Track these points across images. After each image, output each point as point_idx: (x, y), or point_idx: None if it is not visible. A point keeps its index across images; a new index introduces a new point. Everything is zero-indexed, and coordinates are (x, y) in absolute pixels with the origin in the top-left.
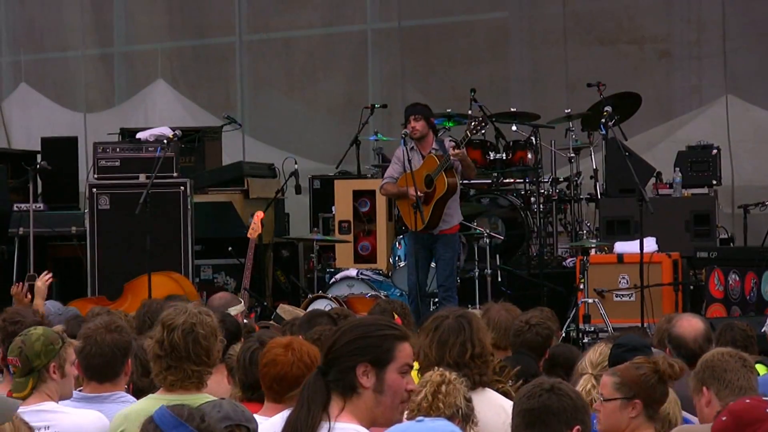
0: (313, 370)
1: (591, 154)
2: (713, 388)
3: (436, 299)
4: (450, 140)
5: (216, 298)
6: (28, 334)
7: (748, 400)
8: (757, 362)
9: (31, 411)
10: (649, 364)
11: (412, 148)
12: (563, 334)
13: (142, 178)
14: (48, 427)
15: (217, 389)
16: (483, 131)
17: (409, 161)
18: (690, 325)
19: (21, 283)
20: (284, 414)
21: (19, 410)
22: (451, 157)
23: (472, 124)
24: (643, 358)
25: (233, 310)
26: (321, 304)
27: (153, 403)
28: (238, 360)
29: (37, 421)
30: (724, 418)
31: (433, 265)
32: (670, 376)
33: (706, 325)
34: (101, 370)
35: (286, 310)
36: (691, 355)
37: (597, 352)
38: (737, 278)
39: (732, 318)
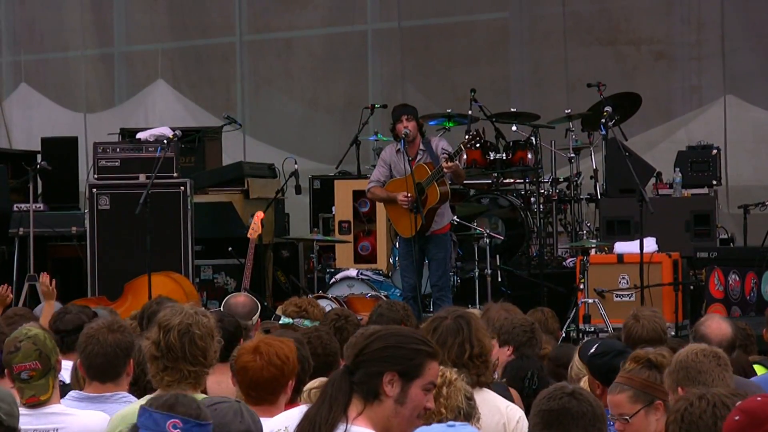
0: (284, 369)
1: (591, 155)
2: (688, 389)
3: (431, 300)
4: (443, 152)
5: (240, 305)
6: (33, 335)
7: (759, 398)
8: (755, 363)
9: (39, 413)
10: (642, 363)
11: (399, 150)
12: (563, 335)
13: (142, 178)
14: (57, 430)
15: (217, 390)
16: (478, 146)
17: (410, 161)
18: (719, 328)
19: (7, 284)
20: (302, 408)
21: (27, 413)
22: (444, 170)
23: (467, 137)
24: (631, 360)
25: (254, 320)
26: (321, 305)
27: None
28: None
29: (45, 424)
30: (737, 418)
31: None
32: (664, 365)
33: (733, 331)
34: (103, 370)
35: None
36: None
37: None
38: (737, 278)
39: (732, 318)
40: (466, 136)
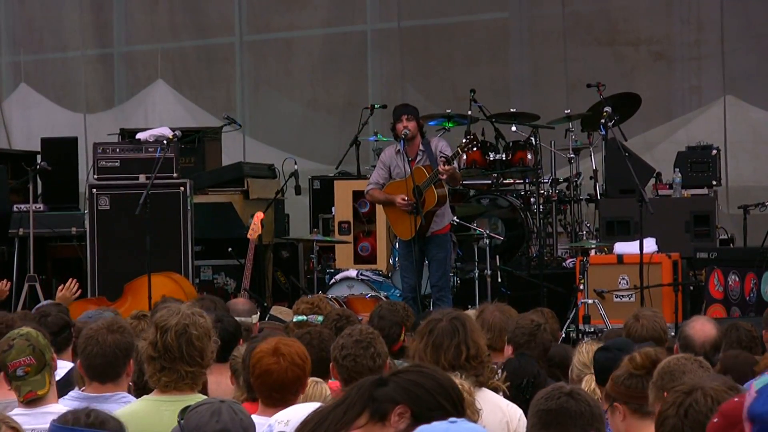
0: (305, 368)
1: (591, 155)
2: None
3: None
4: (441, 154)
5: (240, 303)
6: (25, 333)
7: (737, 399)
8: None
9: (37, 413)
10: (626, 364)
11: (398, 150)
12: (563, 335)
13: (142, 178)
14: None
15: (216, 390)
16: (475, 149)
17: (409, 161)
18: (702, 329)
19: (6, 280)
20: (306, 406)
21: (25, 412)
22: (442, 173)
23: (464, 141)
24: (626, 360)
25: (254, 318)
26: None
27: (147, 404)
28: (243, 360)
29: (43, 423)
30: (716, 420)
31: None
32: (653, 364)
33: (718, 332)
34: (103, 370)
35: (280, 311)
36: None
37: (584, 353)
38: (737, 279)
39: (737, 319)
40: (464, 140)
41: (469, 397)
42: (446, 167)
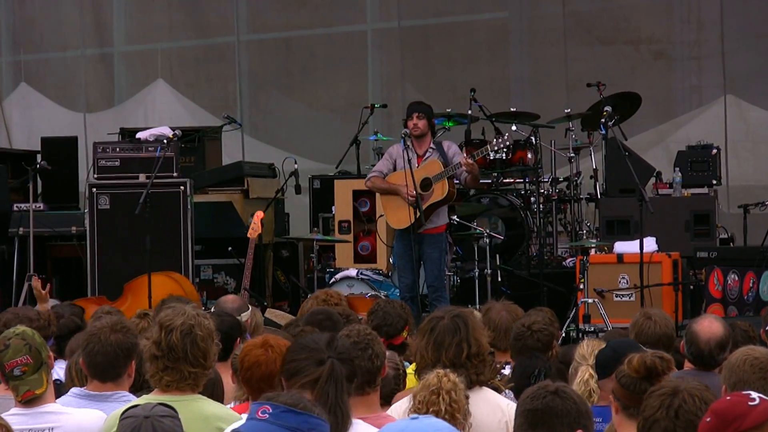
0: None
1: (591, 154)
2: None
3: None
4: (464, 154)
5: (229, 301)
6: (21, 332)
7: (729, 398)
8: None
9: (35, 413)
10: (626, 363)
11: (406, 147)
12: (563, 334)
13: (142, 178)
14: (52, 429)
15: None
16: (504, 151)
17: (409, 161)
18: (709, 327)
19: None
20: None
21: (22, 412)
22: (462, 167)
23: (496, 141)
24: (627, 359)
25: (245, 316)
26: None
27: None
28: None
29: (40, 423)
30: (708, 420)
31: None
32: (648, 371)
33: (725, 332)
34: (104, 369)
35: (275, 314)
36: (699, 355)
37: (584, 346)
38: (736, 278)
39: (735, 318)
40: (496, 140)
41: (463, 399)
42: (469, 161)
